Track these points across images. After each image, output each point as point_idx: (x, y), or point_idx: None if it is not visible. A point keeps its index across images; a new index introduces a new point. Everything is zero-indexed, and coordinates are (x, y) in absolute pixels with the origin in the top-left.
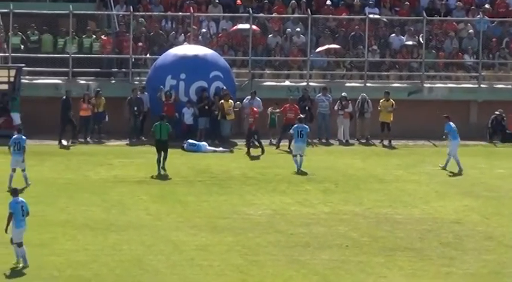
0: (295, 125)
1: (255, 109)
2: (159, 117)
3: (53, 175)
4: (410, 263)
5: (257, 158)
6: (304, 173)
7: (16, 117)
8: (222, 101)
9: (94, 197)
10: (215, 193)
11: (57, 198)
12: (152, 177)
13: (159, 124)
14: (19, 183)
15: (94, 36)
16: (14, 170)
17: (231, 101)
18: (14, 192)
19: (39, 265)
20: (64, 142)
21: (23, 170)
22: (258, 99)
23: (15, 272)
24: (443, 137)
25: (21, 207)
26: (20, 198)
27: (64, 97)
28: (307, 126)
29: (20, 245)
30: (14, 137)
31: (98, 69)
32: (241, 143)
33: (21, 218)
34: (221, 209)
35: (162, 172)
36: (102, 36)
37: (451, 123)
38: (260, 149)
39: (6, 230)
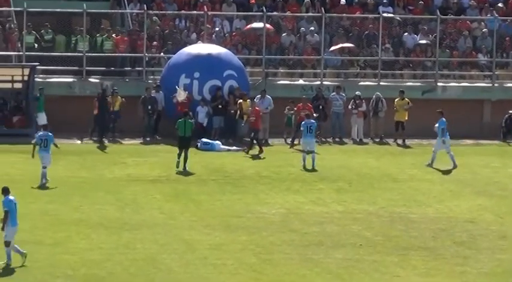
0: (303, 121)
1: (257, 108)
2: (183, 114)
3: (67, 174)
4: (424, 262)
5: (257, 157)
6: (315, 171)
7: (42, 117)
8: (241, 100)
9: (108, 196)
10: (229, 192)
11: (71, 197)
12: (162, 178)
13: (183, 121)
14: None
15: (105, 35)
16: (45, 167)
17: (249, 100)
18: (5, 190)
19: (53, 264)
20: (104, 140)
21: (44, 167)
22: (269, 97)
23: (27, 271)
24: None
25: (14, 205)
26: (12, 197)
27: (100, 94)
28: (314, 122)
29: (8, 244)
30: (40, 134)
31: (112, 68)
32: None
33: (16, 216)
34: (235, 208)
35: (181, 169)
36: (114, 35)
37: (444, 119)
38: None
39: (3, 229)
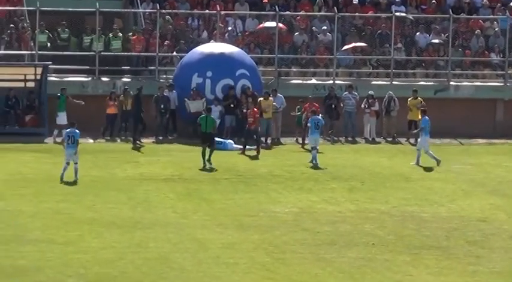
0: (311, 118)
1: (255, 109)
2: (205, 110)
3: (80, 172)
4: (436, 262)
5: (256, 157)
6: (319, 168)
7: (62, 117)
8: (261, 99)
9: (120, 195)
10: (241, 191)
11: (83, 195)
12: (175, 177)
13: (204, 117)
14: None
15: (111, 35)
16: (68, 163)
17: (270, 98)
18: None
19: (65, 263)
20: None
21: (76, 163)
22: (281, 96)
23: (39, 270)
24: (418, 131)
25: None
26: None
27: (135, 94)
28: (321, 119)
29: None
30: (67, 130)
31: (127, 67)
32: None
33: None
34: (247, 207)
35: (208, 165)
36: (129, 34)
37: (427, 117)
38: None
39: None
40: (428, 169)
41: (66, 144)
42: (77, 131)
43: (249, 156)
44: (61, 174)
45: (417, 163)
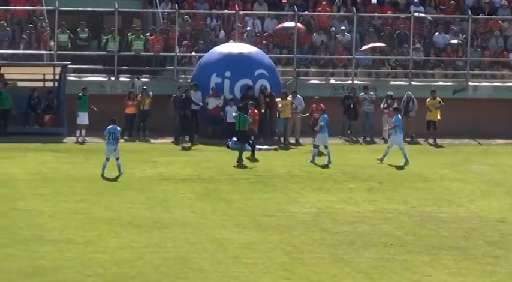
0: (322, 116)
1: (255, 110)
2: (238, 109)
3: (98, 172)
4: (455, 262)
5: (255, 159)
6: (327, 166)
7: (83, 117)
8: (279, 99)
9: (139, 195)
10: (260, 191)
11: (102, 195)
12: (194, 177)
13: (238, 115)
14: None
15: (133, 35)
16: (107, 159)
17: (288, 98)
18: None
19: (84, 262)
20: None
21: (117, 159)
22: (300, 97)
23: (58, 270)
24: (390, 129)
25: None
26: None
27: (183, 96)
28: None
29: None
30: (108, 127)
31: (146, 67)
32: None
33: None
34: (266, 207)
35: (243, 162)
36: (147, 34)
37: (400, 116)
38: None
39: None
40: (446, 169)
41: (106, 140)
42: (118, 127)
43: (249, 158)
44: (102, 170)
45: (381, 159)
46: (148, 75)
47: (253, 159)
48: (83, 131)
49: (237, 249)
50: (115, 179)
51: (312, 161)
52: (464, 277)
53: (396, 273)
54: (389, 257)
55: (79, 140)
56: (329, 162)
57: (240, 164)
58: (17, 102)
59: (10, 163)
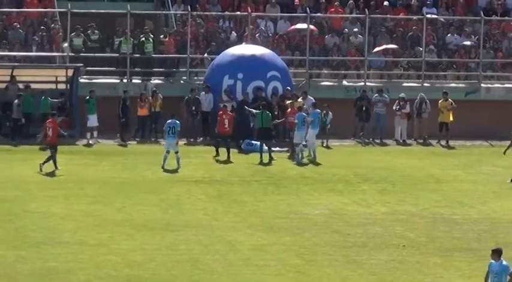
0: (298, 113)
1: (229, 113)
2: (261, 106)
3: (111, 174)
4: (467, 264)
5: (224, 162)
6: (319, 164)
7: (93, 119)
8: (289, 101)
9: (151, 197)
10: (272, 193)
11: (114, 197)
12: (206, 179)
13: (261, 113)
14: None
15: (143, 38)
16: (168, 152)
17: (299, 100)
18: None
19: (97, 265)
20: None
21: (176, 152)
22: (311, 98)
23: (70, 272)
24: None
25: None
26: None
27: (240, 100)
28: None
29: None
30: (168, 121)
31: (160, 69)
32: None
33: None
34: (278, 209)
35: (266, 161)
36: (161, 36)
37: (318, 110)
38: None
39: None
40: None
41: (166, 134)
42: (177, 121)
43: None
44: (162, 163)
45: (297, 159)
46: (162, 77)
47: (228, 160)
48: (95, 133)
49: (249, 251)
50: (129, 180)
51: (298, 160)
52: (476, 279)
53: (409, 275)
54: (401, 259)
55: (90, 141)
56: (310, 157)
57: (263, 162)
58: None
59: (22, 165)
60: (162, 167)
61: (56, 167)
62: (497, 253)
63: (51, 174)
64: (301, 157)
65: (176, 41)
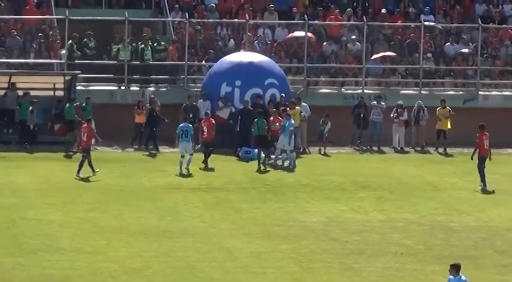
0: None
1: (211, 119)
2: (258, 113)
3: (108, 181)
4: (465, 271)
5: (212, 169)
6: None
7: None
8: (287, 108)
9: (148, 204)
10: (269, 200)
11: (111, 204)
12: (203, 186)
13: (257, 120)
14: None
15: (142, 45)
16: (182, 156)
17: (297, 107)
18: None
19: (94, 272)
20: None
21: (191, 154)
22: (305, 104)
23: (68, 279)
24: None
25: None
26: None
27: (241, 108)
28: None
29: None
30: (181, 125)
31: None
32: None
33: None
34: (275, 216)
35: (262, 168)
36: (162, 42)
37: (292, 121)
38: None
39: None
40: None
41: (180, 138)
42: (190, 125)
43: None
44: (179, 168)
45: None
46: (166, 84)
47: (206, 166)
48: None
49: (247, 259)
50: (126, 187)
51: (277, 163)
52: None
53: None
54: (399, 267)
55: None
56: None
57: (261, 169)
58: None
59: (20, 172)
60: (180, 173)
61: (93, 171)
62: (455, 268)
63: (49, 181)
64: (292, 165)
65: (174, 48)
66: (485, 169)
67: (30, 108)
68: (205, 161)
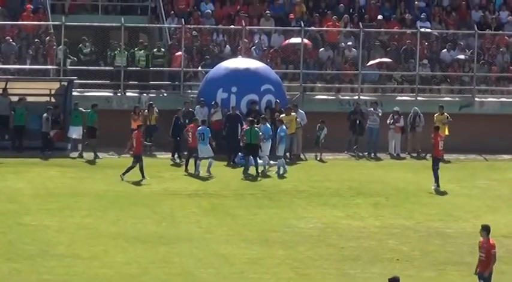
0: (281, 127)
1: (193, 126)
2: (250, 122)
3: (104, 187)
4: (461, 277)
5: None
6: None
7: (72, 130)
8: (283, 115)
9: (145, 210)
10: (266, 206)
11: (108, 210)
12: (200, 192)
13: (249, 129)
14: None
15: (139, 50)
16: (200, 159)
17: (293, 113)
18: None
19: (90, 278)
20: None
21: (210, 157)
22: (302, 111)
23: None
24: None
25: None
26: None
27: (232, 114)
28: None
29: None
30: (199, 128)
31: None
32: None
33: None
34: (272, 222)
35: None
36: (162, 49)
37: (284, 127)
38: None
39: None
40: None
41: (197, 141)
42: (208, 128)
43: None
44: (196, 169)
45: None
46: (163, 90)
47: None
48: (79, 146)
49: (243, 265)
50: (123, 193)
51: (278, 174)
52: None
53: None
54: (395, 273)
55: (72, 154)
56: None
57: (247, 176)
58: (29, 118)
59: (16, 178)
60: (197, 175)
61: (143, 177)
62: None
63: (46, 187)
64: (283, 171)
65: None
66: (438, 170)
67: (45, 115)
68: (186, 168)
